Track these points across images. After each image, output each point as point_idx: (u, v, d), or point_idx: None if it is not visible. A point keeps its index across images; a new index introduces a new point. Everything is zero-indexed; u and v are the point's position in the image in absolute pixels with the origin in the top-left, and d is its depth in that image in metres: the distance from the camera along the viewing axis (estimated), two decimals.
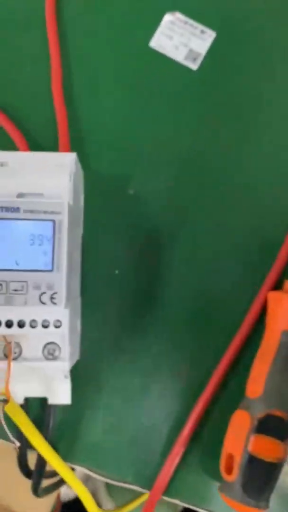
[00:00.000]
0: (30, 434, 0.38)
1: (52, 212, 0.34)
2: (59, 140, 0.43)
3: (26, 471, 0.41)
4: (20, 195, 0.36)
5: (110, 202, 0.44)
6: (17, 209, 0.34)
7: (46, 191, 0.36)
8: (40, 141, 0.45)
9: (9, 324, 0.36)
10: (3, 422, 0.34)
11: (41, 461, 0.41)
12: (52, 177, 0.37)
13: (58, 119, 0.44)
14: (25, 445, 0.41)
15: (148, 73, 0.47)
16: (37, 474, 0.41)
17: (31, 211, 0.34)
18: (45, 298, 0.34)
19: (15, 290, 0.34)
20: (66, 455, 0.41)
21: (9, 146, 0.43)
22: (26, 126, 0.45)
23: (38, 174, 0.37)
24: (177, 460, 0.41)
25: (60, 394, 0.39)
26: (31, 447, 0.39)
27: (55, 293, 0.34)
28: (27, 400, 0.39)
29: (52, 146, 0.44)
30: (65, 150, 0.43)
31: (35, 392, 0.39)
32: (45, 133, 0.45)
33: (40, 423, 0.39)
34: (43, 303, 0.34)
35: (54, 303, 0.34)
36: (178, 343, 0.42)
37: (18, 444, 0.39)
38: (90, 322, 0.42)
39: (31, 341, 0.38)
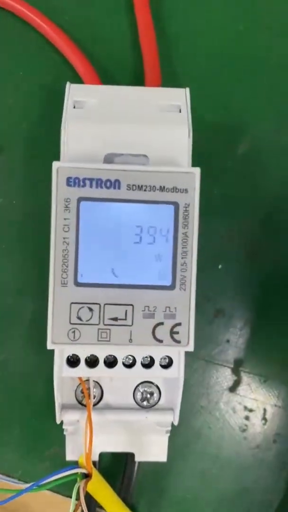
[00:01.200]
0: (112, 509, 0.26)
1: (173, 190, 0.20)
2: (147, 73, 0.28)
3: None
4: (109, 157, 0.22)
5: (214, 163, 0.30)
6: (116, 184, 0.20)
7: (151, 152, 0.22)
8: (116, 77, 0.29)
9: (91, 362, 0.23)
10: (84, 508, 0.22)
11: None
12: (159, 129, 0.22)
13: (144, 44, 0.28)
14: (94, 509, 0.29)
15: None
16: None
17: (139, 187, 0.20)
18: (162, 332, 0.20)
19: (114, 319, 0.20)
20: None
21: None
22: (98, 59, 0.30)
23: (136, 124, 0.22)
24: None
25: (154, 450, 0.27)
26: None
27: (177, 324, 0.20)
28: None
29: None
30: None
31: (117, 446, 0.27)
32: (123, 67, 0.30)
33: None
34: (159, 341, 0.20)
35: (177, 342, 0.20)
36: None
37: None
38: None
39: (117, 378, 0.25)
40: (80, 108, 0.23)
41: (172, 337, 0.20)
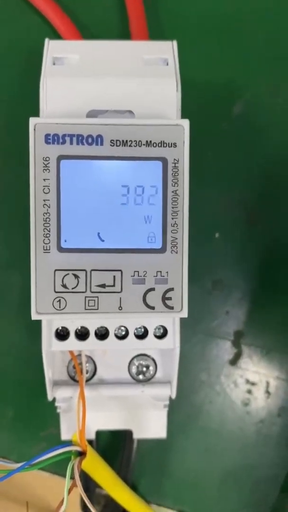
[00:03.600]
0: (111, 488, 0.25)
1: (160, 144, 0.19)
2: (132, 27, 0.26)
3: None
4: (92, 114, 0.20)
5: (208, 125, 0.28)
6: (98, 140, 0.18)
7: (136, 107, 0.20)
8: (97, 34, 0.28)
9: (81, 334, 0.21)
10: (81, 490, 0.21)
11: (117, 508, 0.28)
12: (145, 83, 0.20)
13: None
14: (93, 489, 0.28)
15: None
16: None
17: (123, 143, 0.19)
18: (154, 298, 0.19)
19: (101, 286, 0.19)
20: (149, 496, 0.30)
21: None
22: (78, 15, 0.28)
23: (120, 78, 0.21)
24: None
25: (152, 426, 0.26)
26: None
27: (170, 289, 0.19)
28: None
29: None
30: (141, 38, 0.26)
31: (114, 423, 0.26)
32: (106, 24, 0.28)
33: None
34: (151, 308, 0.19)
35: (170, 308, 0.19)
36: None
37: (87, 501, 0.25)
38: None
39: (110, 352, 0.24)
40: (60, 65, 0.22)
41: (164, 303, 0.19)
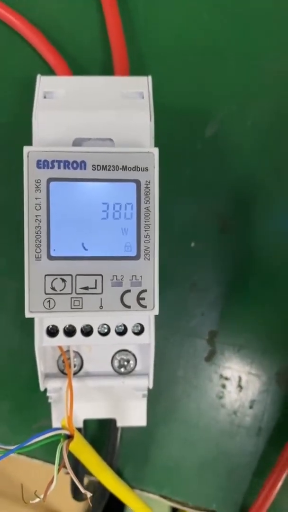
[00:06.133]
0: (98, 471, 0.28)
1: (134, 169, 0.22)
2: (115, 63, 0.30)
3: (81, 498, 0.32)
4: (77, 142, 0.23)
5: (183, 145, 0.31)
6: (82, 165, 0.22)
7: (115, 136, 0.24)
8: (86, 67, 0.31)
9: (69, 331, 0.25)
10: (69, 468, 0.24)
11: (104, 492, 0.31)
12: (123, 114, 0.24)
13: (112, 35, 0.30)
14: (82, 475, 0.31)
15: None
16: (96, 505, 0.32)
17: (103, 167, 0.22)
18: (130, 299, 0.22)
19: (85, 288, 0.22)
20: (133, 481, 0.32)
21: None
22: (68, 50, 0.31)
23: (102, 110, 0.24)
24: (279, 485, 0.32)
25: (133, 415, 0.29)
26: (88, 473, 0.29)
27: (143, 291, 0.22)
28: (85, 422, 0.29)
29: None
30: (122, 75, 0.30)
31: (99, 413, 0.29)
32: (92, 57, 0.31)
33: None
34: (127, 307, 0.22)
35: (143, 306, 0.22)
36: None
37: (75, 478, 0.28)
38: None
39: (95, 348, 0.27)
40: (50, 98, 0.25)
41: (139, 303, 0.22)
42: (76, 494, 0.31)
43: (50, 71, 0.31)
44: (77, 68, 0.31)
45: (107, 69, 0.31)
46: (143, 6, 0.33)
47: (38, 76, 0.26)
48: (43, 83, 0.25)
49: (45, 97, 0.25)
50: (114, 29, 0.30)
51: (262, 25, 0.33)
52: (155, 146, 0.23)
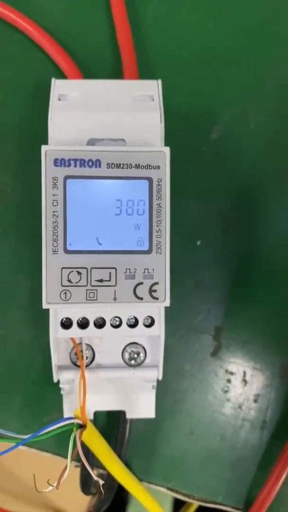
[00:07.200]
0: (108, 462, 0.29)
1: (146, 167, 0.23)
2: (124, 67, 0.31)
3: (90, 491, 0.32)
4: (91, 142, 0.25)
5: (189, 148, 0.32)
6: (97, 163, 0.23)
7: (128, 136, 0.25)
8: (95, 71, 0.32)
9: (82, 324, 0.26)
10: (81, 455, 0.25)
11: (113, 483, 0.32)
12: (135, 116, 0.25)
13: (121, 39, 0.31)
14: (91, 466, 0.31)
15: None
16: (105, 496, 0.33)
17: (117, 166, 0.23)
18: (142, 291, 0.23)
19: (99, 281, 0.23)
20: (140, 474, 0.33)
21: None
22: (78, 55, 0.32)
23: (114, 112, 0.25)
24: (283, 477, 0.32)
25: (142, 407, 0.30)
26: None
27: (155, 283, 0.23)
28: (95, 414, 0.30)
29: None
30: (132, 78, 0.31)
31: (109, 405, 0.30)
32: (100, 62, 0.33)
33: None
34: (140, 298, 0.23)
35: (155, 298, 0.23)
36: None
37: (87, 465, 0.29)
38: None
39: (106, 340, 0.28)
40: (64, 100, 0.26)
41: (151, 295, 0.24)
42: (85, 488, 0.32)
43: (61, 75, 0.32)
44: (87, 72, 0.32)
45: (116, 73, 0.33)
46: (152, 13, 0.34)
47: (53, 80, 0.27)
48: (57, 86, 0.26)
49: (59, 100, 0.26)
50: (123, 35, 0.31)
51: (265, 31, 0.34)
52: None
